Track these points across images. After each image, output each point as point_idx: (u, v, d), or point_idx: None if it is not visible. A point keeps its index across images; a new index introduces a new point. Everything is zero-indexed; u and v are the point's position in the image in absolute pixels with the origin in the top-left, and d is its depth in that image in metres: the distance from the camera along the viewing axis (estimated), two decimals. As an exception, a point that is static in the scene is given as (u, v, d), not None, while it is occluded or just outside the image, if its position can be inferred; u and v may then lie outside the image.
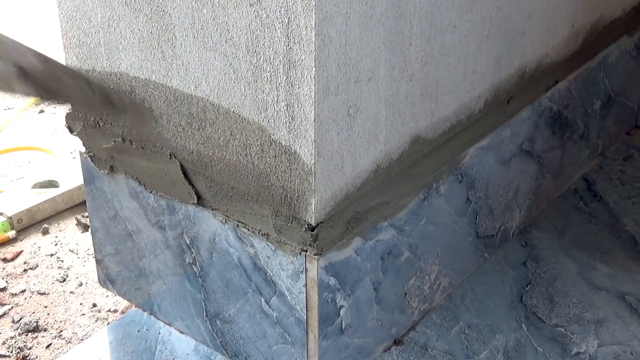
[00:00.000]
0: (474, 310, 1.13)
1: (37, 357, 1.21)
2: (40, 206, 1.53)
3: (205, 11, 0.84)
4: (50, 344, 1.24)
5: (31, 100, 2.02)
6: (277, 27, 0.79)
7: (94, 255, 1.16)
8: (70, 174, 1.62)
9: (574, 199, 1.37)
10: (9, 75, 0.71)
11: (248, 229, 0.93)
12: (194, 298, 1.03)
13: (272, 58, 0.81)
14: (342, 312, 0.95)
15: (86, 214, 1.47)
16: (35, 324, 1.27)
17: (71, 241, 1.47)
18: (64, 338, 1.25)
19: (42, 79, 0.72)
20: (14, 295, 1.34)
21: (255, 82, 0.83)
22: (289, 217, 0.88)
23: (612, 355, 1.07)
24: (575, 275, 1.20)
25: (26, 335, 1.25)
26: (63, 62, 0.95)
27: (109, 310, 1.30)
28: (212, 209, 0.95)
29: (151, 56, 0.91)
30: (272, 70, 0.82)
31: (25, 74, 0.71)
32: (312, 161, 0.83)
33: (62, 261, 1.42)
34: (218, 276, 0.99)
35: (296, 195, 0.86)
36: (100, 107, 0.81)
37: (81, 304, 1.32)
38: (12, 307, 1.31)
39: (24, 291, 1.35)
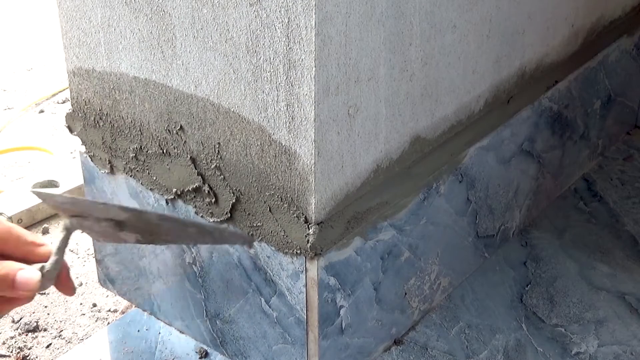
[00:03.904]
0: (474, 310, 1.13)
1: (37, 357, 1.21)
2: (40, 206, 1.52)
3: (205, 11, 0.84)
4: (50, 344, 1.24)
5: (31, 100, 2.02)
6: (277, 27, 0.79)
7: (94, 255, 1.16)
8: (70, 174, 1.62)
9: (574, 199, 1.37)
10: (110, 230, 0.81)
11: (248, 229, 0.93)
12: (194, 298, 1.03)
13: (272, 58, 0.81)
14: (342, 312, 0.95)
15: (86, 214, 1.47)
16: (35, 324, 1.26)
17: (71, 241, 1.47)
18: (64, 338, 1.25)
19: (137, 226, 0.81)
20: (14, 295, 1.34)
21: (255, 82, 0.83)
22: (289, 217, 0.88)
23: (612, 355, 1.07)
24: (575, 275, 1.20)
25: (26, 335, 1.25)
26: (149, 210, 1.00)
27: (109, 310, 1.30)
28: (212, 209, 0.95)
29: (151, 56, 0.91)
30: (272, 70, 0.82)
31: (121, 225, 0.80)
32: (312, 161, 0.83)
33: (62, 261, 1.42)
34: (218, 276, 0.99)
35: (296, 195, 0.86)
36: (200, 237, 0.88)
37: (81, 304, 1.32)
38: (12, 307, 1.31)
39: (24, 291, 1.35)
